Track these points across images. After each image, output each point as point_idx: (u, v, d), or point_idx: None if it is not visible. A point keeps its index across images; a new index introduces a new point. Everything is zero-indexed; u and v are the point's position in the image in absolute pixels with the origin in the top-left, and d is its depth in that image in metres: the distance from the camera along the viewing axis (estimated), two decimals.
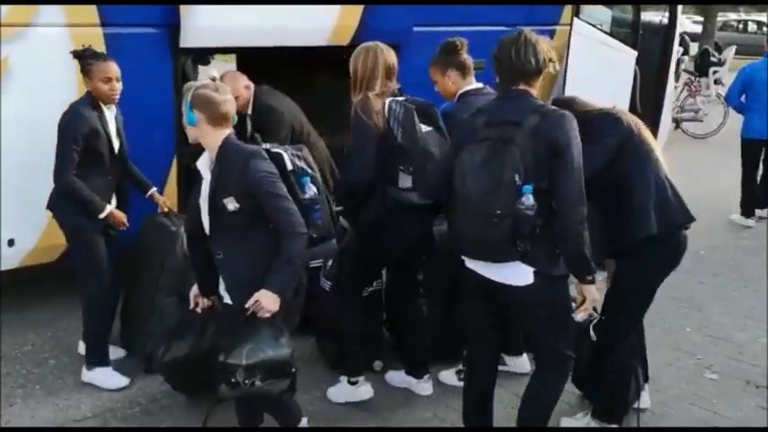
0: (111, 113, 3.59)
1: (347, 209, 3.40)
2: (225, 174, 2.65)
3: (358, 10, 4.73)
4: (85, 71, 3.49)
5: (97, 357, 3.70)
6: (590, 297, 2.76)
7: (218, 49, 5.41)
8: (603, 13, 6.76)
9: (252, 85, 4.47)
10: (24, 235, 3.98)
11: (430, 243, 3.65)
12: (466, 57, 3.61)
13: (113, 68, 3.51)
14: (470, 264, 2.84)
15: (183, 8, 4.13)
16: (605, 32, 6.58)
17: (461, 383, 3.70)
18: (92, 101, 3.51)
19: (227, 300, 2.79)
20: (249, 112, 4.44)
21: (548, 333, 2.84)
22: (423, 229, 3.51)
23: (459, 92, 3.60)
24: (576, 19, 6.02)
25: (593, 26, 6.31)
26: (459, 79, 3.61)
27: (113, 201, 3.67)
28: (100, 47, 3.90)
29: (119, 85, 3.53)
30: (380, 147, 3.27)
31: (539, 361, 3.03)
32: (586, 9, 6.25)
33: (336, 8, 4.65)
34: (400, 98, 3.39)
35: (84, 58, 3.50)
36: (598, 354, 3.30)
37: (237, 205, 2.63)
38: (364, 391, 3.61)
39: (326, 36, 4.67)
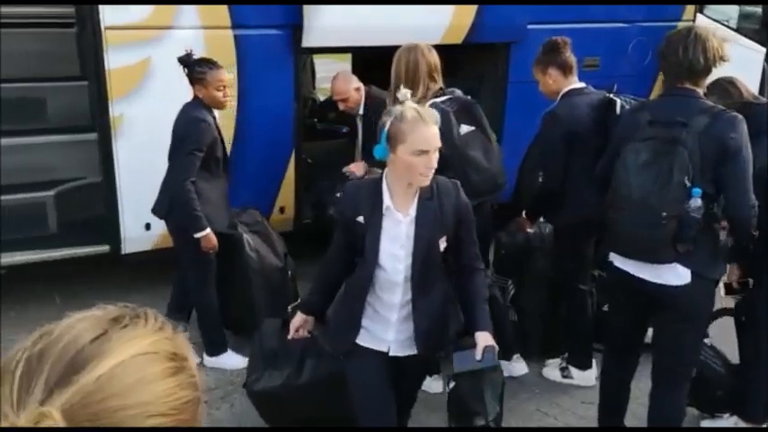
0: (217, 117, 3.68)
1: None
2: (440, 210, 2.36)
3: (472, 9, 4.79)
4: (199, 80, 3.52)
5: (214, 346, 3.87)
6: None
7: (337, 49, 5.60)
8: (731, 9, 6.46)
9: (362, 87, 4.60)
10: (158, 220, 4.31)
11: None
12: (568, 55, 3.54)
13: (226, 75, 3.60)
14: (621, 263, 2.79)
15: (306, 9, 4.30)
16: (732, 29, 6.28)
17: (565, 380, 3.75)
18: (206, 106, 3.56)
19: (402, 351, 2.43)
20: (360, 112, 4.59)
21: (684, 339, 2.76)
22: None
23: (562, 91, 3.55)
24: (699, 15, 5.81)
25: (719, 22, 6.05)
26: (561, 78, 3.54)
27: None
28: (230, 49, 4.17)
29: (230, 92, 3.63)
30: None
31: (659, 373, 2.85)
32: (711, 5, 6.01)
33: (451, 7, 4.73)
34: (441, 98, 3.28)
35: (194, 64, 3.53)
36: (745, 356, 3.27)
37: (446, 243, 2.38)
38: None
39: (441, 35, 4.75)
